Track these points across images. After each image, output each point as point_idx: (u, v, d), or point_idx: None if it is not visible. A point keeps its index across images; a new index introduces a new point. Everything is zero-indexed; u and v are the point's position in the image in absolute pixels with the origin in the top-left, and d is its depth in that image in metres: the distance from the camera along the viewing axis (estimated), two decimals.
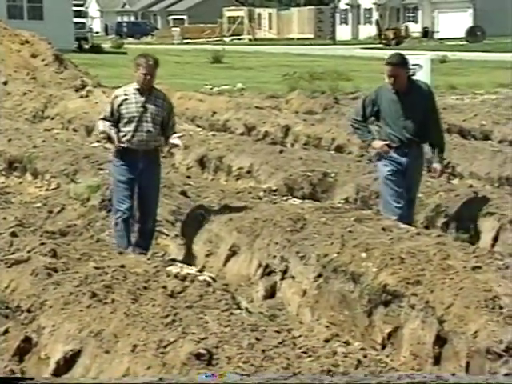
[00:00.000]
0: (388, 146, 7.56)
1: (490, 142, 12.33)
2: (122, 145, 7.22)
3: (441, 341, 5.22)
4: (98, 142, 13.58)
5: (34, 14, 39.46)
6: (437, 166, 7.75)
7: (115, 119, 7.25)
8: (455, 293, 5.28)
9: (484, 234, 7.59)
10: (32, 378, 4.29)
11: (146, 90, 7.22)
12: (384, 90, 7.72)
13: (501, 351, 4.79)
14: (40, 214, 8.47)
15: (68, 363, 4.81)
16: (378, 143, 7.67)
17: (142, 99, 7.22)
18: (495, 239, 7.50)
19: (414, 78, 8.04)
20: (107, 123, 7.27)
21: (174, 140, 7.31)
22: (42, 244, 6.37)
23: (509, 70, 27.93)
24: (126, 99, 7.23)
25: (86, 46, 43.03)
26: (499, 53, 39.25)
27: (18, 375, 4.77)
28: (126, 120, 7.22)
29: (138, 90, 7.22)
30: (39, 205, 8.90)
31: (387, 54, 8.62)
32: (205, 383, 3.59)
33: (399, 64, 7.56)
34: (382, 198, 7.83)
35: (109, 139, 7.38)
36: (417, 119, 7.52)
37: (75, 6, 46.35)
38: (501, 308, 4.99)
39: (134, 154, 7.26)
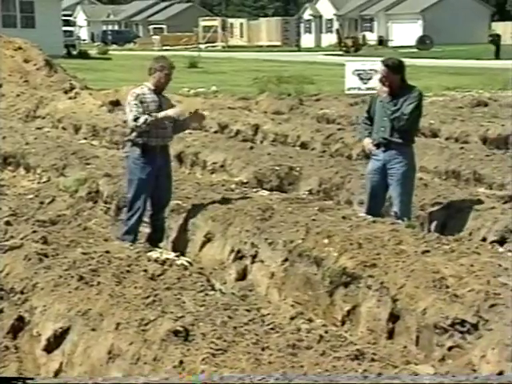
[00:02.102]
0: (375, 145, 7.41)
1: (437, 139, 12.40)
2: (177, 112, 7.09)
3: (394, 317, 5.24)
4: (85, 139, 13.50)
5: (26, 23, 39.05)
6: None
7: (142, 112, 6.95)
8: (407, 274, 5.30)
9: (433, 222, 7.62)
10: (32, 378, 4.23)
11: (161, 90, 7.08)
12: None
13: (447, 326, 4.82)
14: (32, 204, 8.39)
15: (58, 340, 4.77)
16: (365, 142, 7.57)
17: (158, 98, 7.04)
18: (443, 226, 7.54)
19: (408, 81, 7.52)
20: (145, 115, 6.90)
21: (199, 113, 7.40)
22: (34, 232, 6.33)
23: (454, 75, 28.13)
24: (146, 98, 7.00)
25: (74, 52, 42.62)
26: (446, 59, 39.57)
27: (18, 375, 4.68)
28: None
29: (153, 90, 7.03)
30: (31, 196, 8.82)
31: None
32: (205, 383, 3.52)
33: (391, 67, 7.27)
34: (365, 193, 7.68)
35: (149, 126, 6.93)
36: (397, 121, 7.26)
37: (64, 15, 45.87)
38: (447, 288, 5.02)
39: (153, 151, 7.04)
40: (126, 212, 7.24)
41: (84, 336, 4.63)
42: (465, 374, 3.97)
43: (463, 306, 4.80)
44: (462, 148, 10.66)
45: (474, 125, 13.18)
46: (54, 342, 4.79)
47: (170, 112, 7.03)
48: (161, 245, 7.09)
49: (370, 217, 6.86)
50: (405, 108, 7.24)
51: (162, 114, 6.96)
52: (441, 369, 4.44)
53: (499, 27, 61.56)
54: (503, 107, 16.69)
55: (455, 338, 4.77)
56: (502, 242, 6.82)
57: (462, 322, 4.75)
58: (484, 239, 6.81)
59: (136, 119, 6.93)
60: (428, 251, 5.60)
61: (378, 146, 7.42)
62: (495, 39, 42.55)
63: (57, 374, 4.68)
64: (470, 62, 37.17)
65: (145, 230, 7.32)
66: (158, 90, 7.06)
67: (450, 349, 4.78)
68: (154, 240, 7.06)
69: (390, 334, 5.24)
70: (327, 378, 3.56)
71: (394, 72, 7.27)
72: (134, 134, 7.06)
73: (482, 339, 4.57)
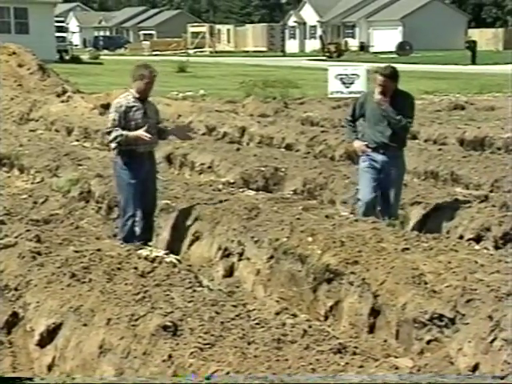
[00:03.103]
0: (367, 145, 7.32)
1: (417, 141, 12.43)
2: (145, 134, 6.76)
3: (375, 312, 5.25)
4: (78, 141, 13.45)
5: (20, 29, 38.90)
6: None
7: (122, 127, 6.83)
8: (387, 271, 5.31)
9: (412, 220, 7.64)
10: (31, 379, 4.21)
11: (145, 98, 6.93)
12: (370, 95, 7.42)
13: (426, 320, 4.83)
14: (26, 204, 8.35)
15: (50, 335, 4.75)
16: (357, 143, 7.44)
17: (142, 106, 6.90)
18: (422, 224, 7.56)
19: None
20: (119, 130, 6.81)
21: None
22: (28, 231, 6.30)
23: (432, 80, 28.24)
24: (130, 107, 6.86)
25: (67, 57, 42.46)
26: (424, 64, 39.69)
27: (16, 375, 4.64)
28: (133, 127, 6.83)
29: (137, 98, 6.88)
30: (25, 196, 8.79)
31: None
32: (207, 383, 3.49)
33: (391, 76, 7.15)
34: (359, 187, 7.58)
35: (124, 142, 6.84)
36: (401, 128, 7.24)
37: (57, 22, 45.61)
38: (426, 284, 5.03)
39: (141, 157, 6.94)
40: (121, 217, 7.13)
41: (76, 331, 4.61)
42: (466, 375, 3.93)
43: (441, 301, 4.81)
44: (440, 150, 10.70)
45: (451, 127, 13.24)
46: (47, 337, 4.77)
47: (138, 133, 6.80)
48: (150, 243, 7.06)
49: (352, 215, 6.86)
50: (407, 114, 7.22)
51: (131, 134, 6.80)
52: (419, 362, 4.45)
53: (475, 34, 61.85)
54: (479, 110, 16.78)
55: (433, 331, 4.78)
56: (478, 239, 6.85)
57: (440, 317, 4.76)
58: (461, 237, 6.83)
59: (109, 133, 6.94)
60: (408, 249, 5.61)
61: (373, 149, 7.31)
62: (471, 45, 42.74)
63: (50, 368, 4.66)
64: (448, 67, 37.33)
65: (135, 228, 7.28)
66: (142, 97, 6.91)
67: (428, 342, 4.79)
68: (144, 239, 6.99)
69: (371, 329, 5.25)
70: (333, 378, 3.53)
71: (393, 80, 7.19)
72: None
73: (459, 333, 4.59)
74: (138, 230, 7.08)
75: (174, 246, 7.27)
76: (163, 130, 7.25)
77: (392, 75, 7.17)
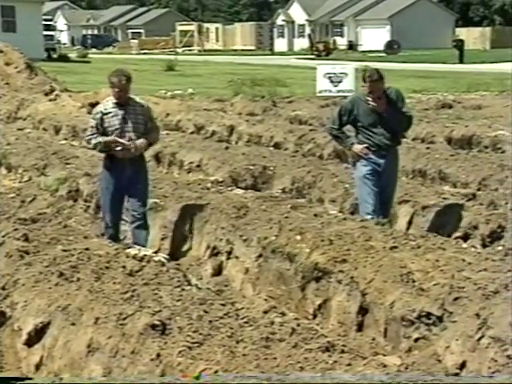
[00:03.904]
0: (367, 148, 7.12)
1: (404, 139, 12.44)
2: (121, 140, 6.74)
3: (363, 310, 5.26)
4: (65, 139, 13.40)
5: (7, 27, 38.70)
6: None
7: (101, 133, 6.85)
8: (376, 269, 5.32)
9: (400, 219, 7.66)
10: (31, 378, 4.18)
11: (123, 103, 6.83)
12: (359, 100, 7.22)
13: (413, 318, 4.85)
14: (14, 203, 8.32)
15: (38, 334, 4.74)
16: (358, 147, 7.16)
17: (122, 112, 6.81)
18: (409, 223, 7.58)
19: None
20: (98, 137, 6.84)
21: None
22: (16, 230, 6.27)
23: (420, 78, 28.31)
24: (106, 114, 6.83)
25: (55, 56, 42.26)
26: (412, 63, 39.79)
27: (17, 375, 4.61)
28: (110, 133, 6.83)
29: (116, 103, 6.84)
30: (13, 195, 8.75)
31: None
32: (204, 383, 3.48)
33: (380, 79, 7.05)
34: (360, 197, 7.33)
35: (104, 147, 6.87)
36: (392, 125, 7.11)
37: (45, 20, 45.40)
38: (413, 282, 5.05)
39: (121, 163, 6.86)
40: (101, 221, 7.18)
41: (64, 330, 4.59)
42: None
43: (429, 299, 4.83)
44: (427, 148, 10.73)
45: (439, 126, 13.27)
46: (35, 337, 4.75)
47: (111, 138, 6.78)
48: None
49: (340, 214, 6.86)
50: (402, 107, 7.17)
51: (106, 139, 6.81)
52: (407, 360, 4.46)
53: (463, 33, 62.10)
54: (467, 109, 16.84)
55: (421, 329, 4.80)
56: (465, 237, 6.88)
57: (428, 315, 4.78)
58: (449, 235, 6.85)
59: (89, 141, 7.02)
60: (396, 247, 5.62)
61: (373, 151, 7.13)
62: (459, 44, 42.88)
63: (38, 367, 4.64)
64: (436, 66, 37.43)
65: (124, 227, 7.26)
66: (119, 102, 6.82)
67: (416, 340, 4.81)
68: (139, 245, 6.71)
69: (360, 327, 5.26)
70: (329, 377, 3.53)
71: (382, 81, 7.07)
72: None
73: (447, 331, 4.61)
74: (120, 236, 7.04)
75: (162, 245, 7.27)
76: (152, 135, 7.02)
77: (380, 77, 7.07)
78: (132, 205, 7.01)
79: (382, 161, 7.15)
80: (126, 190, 6.96)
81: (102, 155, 7.14)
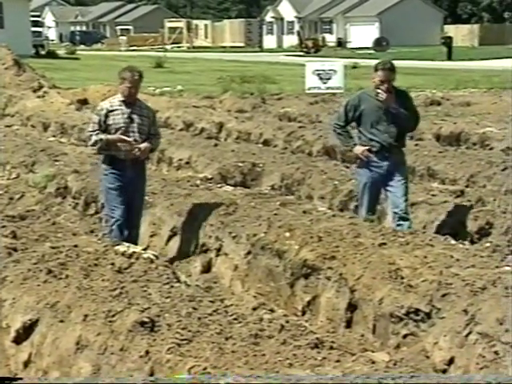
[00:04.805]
0: (369, 150, 6.88)
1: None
2: (128, 139, 6.51)
3: (352, 307, 5.27)
4: (54, 136, 13.36)
5: None
6: None
7: (103, 130, 6.58)
8: (364, 266, 5.34)
9: (389, 215, 7.67)
10: (20, 378, 4.17)
11: (131, 101, 6.60)
12: (367, 95, 7.00)
13: (402, 315, 4.86)
14: (2, 200, 8.29)
15: (27, 331, 4.72)
16: (359, 149, 6.93)
17: (128, 110, 6.58)
18: None
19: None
20: (100, 134, 6.57)
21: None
22: (4, 227, 6.25)
23: (409, 75, 28.31)
24: (112, 111, 6.57)
25: (43, 52, 42.11)
26: (401, 60, 39.84)
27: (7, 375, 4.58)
28: (113, 131, 6.56)
29: (123, 101, 6.58)
30: (1, 192, 8.71)
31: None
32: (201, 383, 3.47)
33: (392, 69, 6.85)
34: (359, 200, 7.18)
35: (106, 146, 6.59)
36: (398, 123, 6.88)
37: (33, 16, 45.27)
38: (402, 278, 5.06)
39: (123, 163, 6.62)
40: (106, 223, 6.86)
41: (52, 327, 4.58)
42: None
43: (417, 295, 4.85)
44: (416, 145, 10.74)
45: (427, 123, 13.29)
46: (23, 334, 4.73)
47: (116, 136, 6.55)
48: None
49: (329, 211, 6.86)
50: (410, 108, 6.96)
51: (110, 137, 6.55)
52: (396, 356, 4.48)
53: (451, 30, 62.26)
54: (455, 106, 16.89)
55: (410, 326, 4.81)
56: (454, 234, 6.90)
57: (416, 311, 4.80)
58: (437, 232, 6.87)
59: (89, 137, 6.68)
60: (384, 244, 5.64)
61: (376, 152, 6.91)
62: (447, 41, 43.03)
63: (26, 364, 4.63)
64: (424, 63, 37.50)
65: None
66: (128, 100, 6.59)
67: (404, 336, 4.82)
68: (130, 242, 6.46)
69: (348, 323, 5.27)
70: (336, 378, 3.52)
71: (394, 72, 6.87)
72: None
73: (435, 327, 4.62)
74: (125, 232, 6.75)
75: (151, 242, 7.26)
76: (154, 138, 6.81)
77: (393, 67, 6.85)
78: (130, 209, 6.76)
79: (384, 163, 6.89)
80: (126, 191, 6.70)
81: (95, 154, 6.98)
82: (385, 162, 6.91)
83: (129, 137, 6.59)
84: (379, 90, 6.83)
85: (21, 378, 4.21)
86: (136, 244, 6.70)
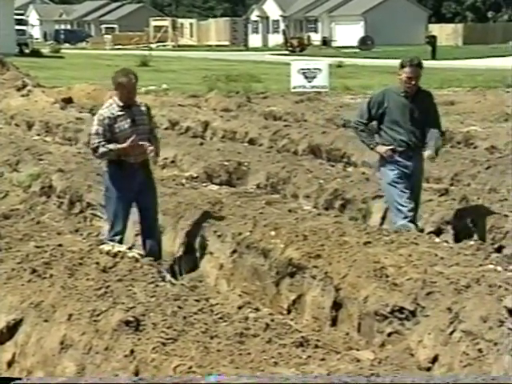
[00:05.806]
0: (392, 150, 6.63)
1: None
2: (141, 143, 6.21)
3: (337, 305, 5.28)
4: (38, 135, 13.29)
5: None
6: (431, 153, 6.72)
7: (108, 140, 6.24)
8: (349, 264, 5.35)
9: (374, 214, 7.70)
10: (19, 378, 4.15)
11: (130, 104, 6.29)
12: (391, 92, 6.74)
13: (387, 313, 4.88)
14: None
15: (10, 331, 4.70)
16: (382, 148, 6.66)
17: (130, 114, 6.28)
18: (383, 218, 7.62)
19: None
20: (108, 144, 6.22)
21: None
22: None
23: (394, 74, 28.43)
24: (115, 118, 6.23)
25: (27, 51, 41.89)
26: (386, 59, 39.94)
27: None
28: (121, 139, 6.22)
29: (122, 106, 6.27)
30: None
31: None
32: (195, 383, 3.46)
33: (420, 66, 6.61)
34: (391, 203, 6.78)
35: (115, 155, 6.28)
36: (422, 123, 6.65)
37: (16, 14, 45.05)
38: (387, 277, 5.08)
39: (132, 168, 6.32)
40: (108, 231, 6.55)
41: (37, 327, 4.56)
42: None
43: (402, 293, 4.86)
44: None
45: None
46: (7, 334, 4.71)
47: (126, 145, 6.23)
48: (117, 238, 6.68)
49: (315, 210, 6.84)
50: (430, 107, 6.75)
51: (120, 147, 6.22)
52: (381, 354, 4.49)
53: (435, 29, 62.44)
54: (439, 105, 16.88)
55: (394, 324, 4.83)
56: (438, 232, 6.93)
57: (401, 309, 4.81)
58: (422, 230, 6.89)
59: (96, 149, 6.32)
60: (369, 242, 5.65)
61: (400, 152, 6.65)
62: (431, 40, 43.14)
63: (10, 364, 4.60)
64: None
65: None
66: (127, 104, 6.29)
67: (389, 335, 4.84)
68: (152, 256, 5.90)
69: (334, 322, 5.28)
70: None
71: (421, 69, 6.61)
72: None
73: (419, 325, 4.64)
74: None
75: (136, 241, 7.23)
76: (155, 137, 6.58)
77: (421, 63, 6.59)
78: (145, 215, 6.52)
79: (409, 163, 6.65)
80: (136, 196, 6.43)
81: (104, 166, 6.58)
82: (409, 161, 6.67)
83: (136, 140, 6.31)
84: (402, 88, 6.56)
85: (20, 378, 4.19)
86: (160, 245, 6.55)
